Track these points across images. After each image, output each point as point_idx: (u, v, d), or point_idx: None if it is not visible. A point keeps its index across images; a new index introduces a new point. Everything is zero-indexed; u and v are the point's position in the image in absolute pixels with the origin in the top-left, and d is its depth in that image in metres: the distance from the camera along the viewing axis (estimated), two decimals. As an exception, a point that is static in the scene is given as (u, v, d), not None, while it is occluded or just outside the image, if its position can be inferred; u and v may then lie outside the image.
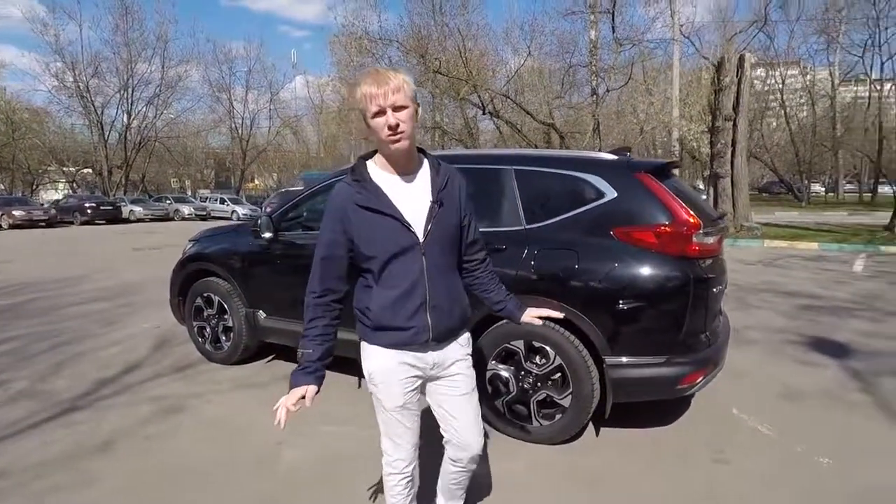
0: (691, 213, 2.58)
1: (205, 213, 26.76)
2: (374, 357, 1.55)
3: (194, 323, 4.09)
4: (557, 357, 2.66)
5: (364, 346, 1.57)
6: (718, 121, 13.68)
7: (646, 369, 2.54)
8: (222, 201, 27.55)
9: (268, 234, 3.54)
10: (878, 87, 34.14)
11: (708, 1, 54.18)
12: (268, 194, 38.89)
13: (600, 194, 2.70)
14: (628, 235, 2.59)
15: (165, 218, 26.18)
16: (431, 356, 1.55)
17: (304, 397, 1.45)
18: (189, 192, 36.70)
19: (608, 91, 16.75)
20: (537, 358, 2.73)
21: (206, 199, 29.07)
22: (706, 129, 16.47)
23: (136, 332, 4.91)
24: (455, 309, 1.55)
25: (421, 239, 1.44)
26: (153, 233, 17.93)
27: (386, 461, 1.66)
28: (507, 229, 2.85)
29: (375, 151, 1.50)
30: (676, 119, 18.76)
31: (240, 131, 37.99)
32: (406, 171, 1.47)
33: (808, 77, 37.49)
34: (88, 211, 23.07)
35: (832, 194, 39.66)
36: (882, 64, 33.92)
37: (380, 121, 1.35)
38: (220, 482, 2.46)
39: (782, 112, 36.94)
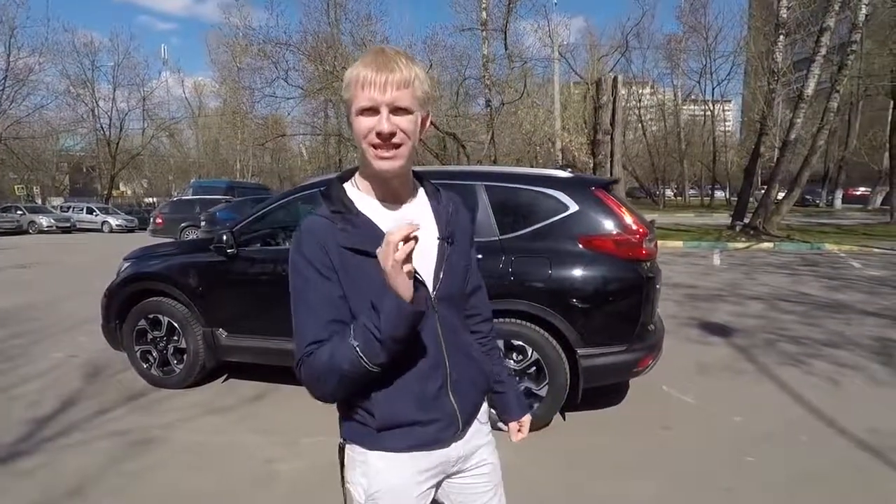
0: (639, 222, 3.09)
1: (68, 224, 23.20)
2: (378, 469, 1.03)
3: (136, 347, 3.80)
4: (534, 353, 3.02)
5: (356, 455, 1.05)
6: (599, 134, 15.32)
7: (611, 357, 2.99)
8: (90, 211, 24.18)
9: (231, 250, 3.46)
10: (711, 108, 40.42)
11: (580, 25, 59.90)
12: (139, 203, 35.09)
13: (564, 207, 3.11)
14: (591, 243, 3.03)
15: (18, 231, 22.15)
16: (456, 450, 1.10)
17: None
18: (39, 201, 31.56)
19: (503, 104, 17.89)
20: (515, 354, 3.07)
21: (70, 208, 25.26)
22: (587, 141, 18.38)
23: (49, 364, 4.36)
24: (477, 378, 1.11)
25: (432, 292, 1.01)
26: (7, 249, 15.30)
27: None
28: (481, 240, 3.14)
29: (355, 170, 1.08)
30: (559, 131, 20.63)
31: (107, 133, 33.63)
32: (398, 199, 1.04)
33: (659, 96, 43.34)
34: None
35: (680, 198, 45.98)
36: (713, 88, 40.32)
37: (367, 121, 0.92)
38: (228, 505, 2.43)
39: (639, 125, 42.22)
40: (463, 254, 1.11)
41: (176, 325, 3.68)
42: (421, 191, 1.10)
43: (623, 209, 3.09)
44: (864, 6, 13.00)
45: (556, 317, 2.96)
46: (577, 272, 3.00)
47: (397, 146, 0.93)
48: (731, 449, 2.91)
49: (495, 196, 3.24)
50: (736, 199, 19.59)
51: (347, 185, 1.05)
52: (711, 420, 3.29)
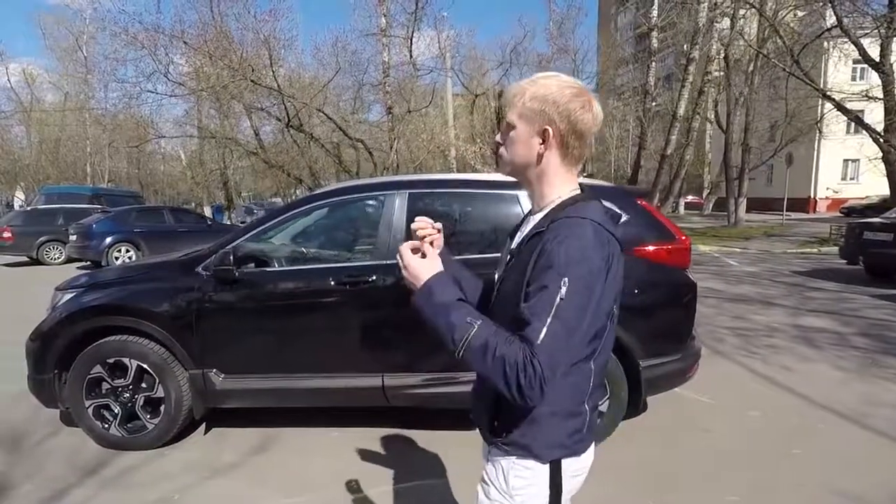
0: (679, 230, 3.16)
1: None
2: None
3: (88, 402, 2.94)
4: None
5: None
6: (502, 145, 15.96)
7: (669, 366, 3.00)
8: None
9: (235, 273, 2.83)
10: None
11: (464, 40, 62.67)
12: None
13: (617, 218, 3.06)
14: (645, 253, 3.02)
15: None
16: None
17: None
18: None
19: (409, 112, 17.75)
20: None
21: None
22: (480, 151, 19.09)
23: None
24: (483, 396, 1.14)
25: (494, 295, 1.18)
26: None
27: None
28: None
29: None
30: (453, 139, 21.10)
31: None
32: (534, 209, 1.18)
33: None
34: None
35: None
36: (580, 106, 44.52)
37: None
38: None
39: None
40: (518, 275, 1.06)
41: (149, 369, 2.91)
42: (551, 206, 1.11)
43: (666, 219, 3.14)
44: (716, 42, 15.29)
45: (619, 330, 2.87)
46: (636, 282, 2.94)
47: (499, 156, 1.17)
48: (755, 437, 3.12)
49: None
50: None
51: None
52: (731, 416, 3.47)
